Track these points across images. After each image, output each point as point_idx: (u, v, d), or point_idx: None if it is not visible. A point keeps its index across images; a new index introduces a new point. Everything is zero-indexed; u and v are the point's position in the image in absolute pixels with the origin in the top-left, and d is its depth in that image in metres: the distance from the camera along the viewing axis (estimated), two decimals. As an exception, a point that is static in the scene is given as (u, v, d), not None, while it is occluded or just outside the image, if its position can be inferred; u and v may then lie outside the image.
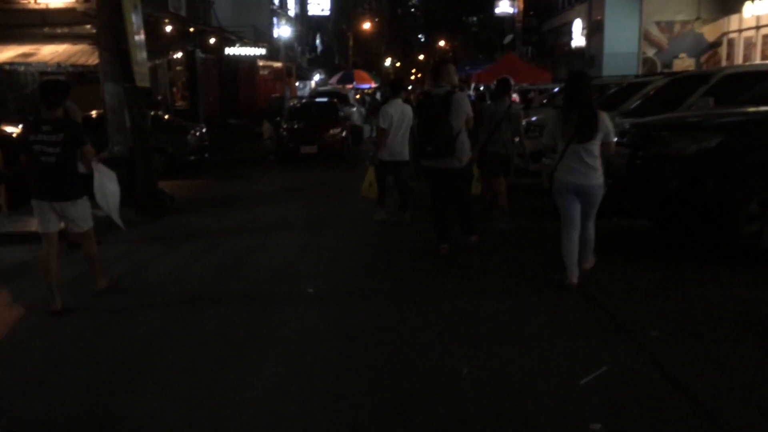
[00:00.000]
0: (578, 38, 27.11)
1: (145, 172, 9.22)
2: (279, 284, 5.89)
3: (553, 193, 5.08)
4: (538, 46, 34.92)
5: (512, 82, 8.41)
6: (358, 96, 33.19)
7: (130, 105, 8.97)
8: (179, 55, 19.42)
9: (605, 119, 4.88)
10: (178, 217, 9.35)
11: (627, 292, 5.16)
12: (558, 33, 31.43)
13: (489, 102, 9.29)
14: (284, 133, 16.40)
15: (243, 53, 21.34)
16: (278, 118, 18.42)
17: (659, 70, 20.80)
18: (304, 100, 20.56)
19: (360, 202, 9.10)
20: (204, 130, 15.62)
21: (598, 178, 4.92)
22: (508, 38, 40.21)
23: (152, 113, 16.27)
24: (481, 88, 23.73)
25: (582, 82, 4.97)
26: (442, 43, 64.52)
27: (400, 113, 7.84)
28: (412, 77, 69.60)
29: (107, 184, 5.42)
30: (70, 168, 5.12)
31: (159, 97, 17.99)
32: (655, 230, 7.16)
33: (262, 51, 21.85)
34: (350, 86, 30.33)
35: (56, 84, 5.46)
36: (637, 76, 15.06)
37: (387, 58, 67.68)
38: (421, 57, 73.23)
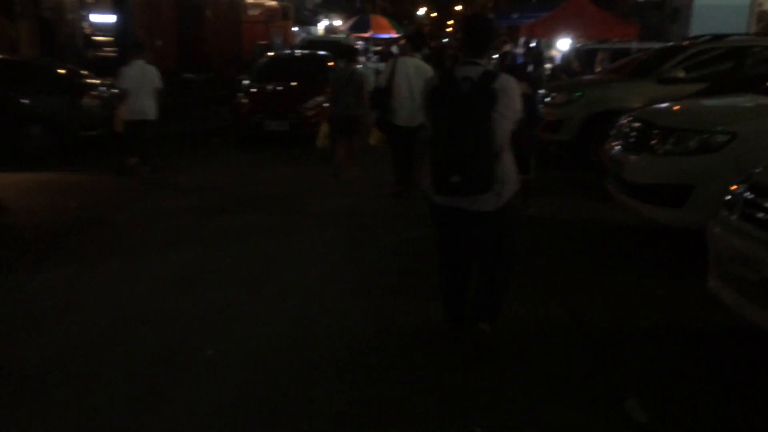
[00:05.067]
0: (653, -16, 21.44)
1: None
2: None
3: None
4: (597, -4, 28.85)
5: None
6: (379, 47, 27.63)
7: None
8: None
9: None
10: None
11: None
12: (625, -21, 25.55)
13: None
14: (244, 100, 11.32)
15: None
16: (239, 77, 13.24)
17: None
18: (285, 52, 15.16)
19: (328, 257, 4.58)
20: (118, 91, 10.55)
21: None
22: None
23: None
24: (532, 45, 18.01)
25: None
26: (483, -9, 57.63)
27: None
28: (449, 29, 63.43)
29: None
30: None
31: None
32: None
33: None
34: (367, 35, 24.74)
35: None
36: None
37: (422, 7, 61.06)
38: (459, 8, 66.27)
